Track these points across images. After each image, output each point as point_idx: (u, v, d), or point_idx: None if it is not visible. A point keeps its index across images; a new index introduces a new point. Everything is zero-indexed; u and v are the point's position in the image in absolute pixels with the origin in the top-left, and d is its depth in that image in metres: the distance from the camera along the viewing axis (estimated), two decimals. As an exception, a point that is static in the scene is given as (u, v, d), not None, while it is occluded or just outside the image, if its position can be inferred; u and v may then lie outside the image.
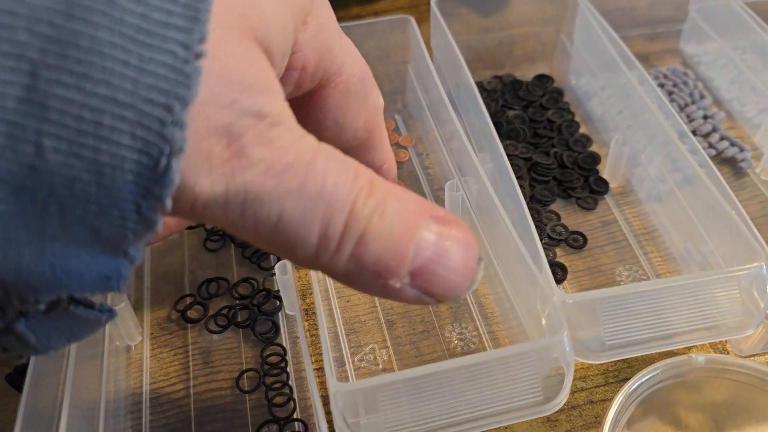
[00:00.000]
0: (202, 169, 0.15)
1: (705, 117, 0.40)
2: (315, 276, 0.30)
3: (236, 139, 0.15)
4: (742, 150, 0.38)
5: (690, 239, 0.32)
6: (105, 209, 0.15)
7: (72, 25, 0.13)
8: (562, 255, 0.34)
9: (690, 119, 0.40)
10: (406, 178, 0.38)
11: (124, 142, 0.14)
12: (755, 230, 0.28)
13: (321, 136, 0.21)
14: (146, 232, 0.15)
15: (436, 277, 0.18)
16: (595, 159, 0.37)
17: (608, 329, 0.27)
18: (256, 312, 0.32)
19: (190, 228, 0.36)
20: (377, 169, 0.25)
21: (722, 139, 0.38)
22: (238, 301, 0.33)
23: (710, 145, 0.38)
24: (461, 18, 0.40)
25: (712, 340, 0.29)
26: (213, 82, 0.15)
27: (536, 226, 0.33)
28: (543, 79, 0.41)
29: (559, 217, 0.35)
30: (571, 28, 0.40)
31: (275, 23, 0.17)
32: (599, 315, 0.27)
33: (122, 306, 0.30)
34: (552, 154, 0.37)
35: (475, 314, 0.32)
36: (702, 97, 0.41)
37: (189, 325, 0.32)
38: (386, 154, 0.26)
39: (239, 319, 0.32)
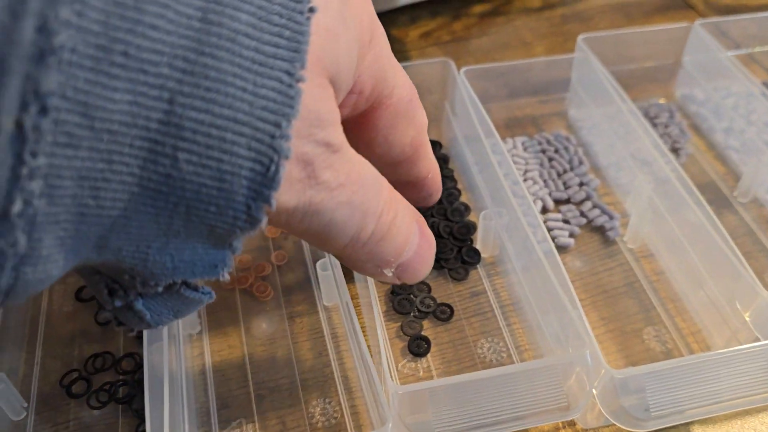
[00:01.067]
0: (284, 186, 0.19)
1: (581, 184, 0.42)
2: (182, 352, 0.31)
3: (310, 164, 0.19)
4: (611, 218, 0.40)
5: (548, 312, 0.34)
6: (222, 209, 0.18)
7: (203, 59, 0.17)
8: (428, 327, 0.35)
9: (566, 186, 0.42)
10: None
11: (242, 153, 0.18)
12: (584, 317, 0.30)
13: (372, 151, 0.26)
14: (251, 230, 0.19)
15: (413, 268, 0.24)
16: (470, 229, 0.38)
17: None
18: (135, 388, 0.34)
19: (81, 300, 0.38)
20: (423, 179, 0.30)
21: (594, 207, 0.41)
22: (121, 376, 0.35)
23: (582, 213, 0.40)
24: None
25: (553, 422, 0.32)
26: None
27: (406, 299, 0.35)
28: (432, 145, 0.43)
29: (429, 289, 0.36)
30: (453, 97, 0.42)
31: (345, 63, 0.21)
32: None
33: (2, 387, 0.32)
34: (430, 224, 0.39)
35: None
36: (581, 163, 0.43)
37: (73, 400, 0.34)
38: (430, 165, 0.30)
39: (120, 395, 0.34)
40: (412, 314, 0.35)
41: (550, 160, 0.43)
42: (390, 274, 0.24)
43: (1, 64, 0.14)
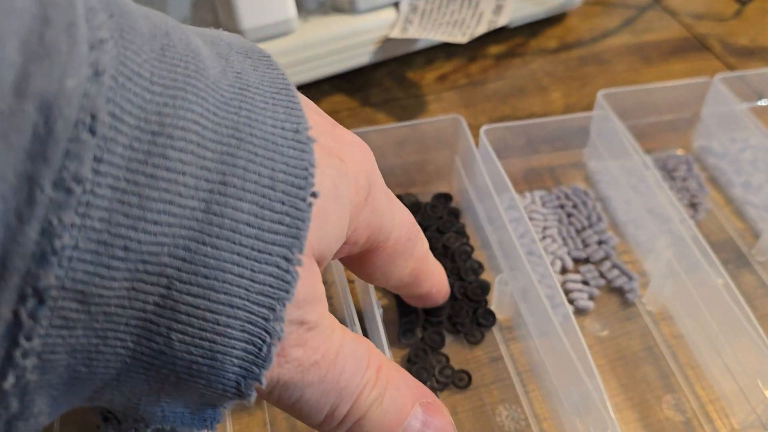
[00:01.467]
0: None
1: (600, 242, 0.41)
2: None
3: (281, 342, 0.19)
4: (630, 279, 0.40)
5: (565, 381, 0.34)
6: (212, 383, 0.19)
7: (203, 249, 0.17)
8: (447, 395, 0.35)
9: (585, 245, 0.41)
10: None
11: (236, 335, 0.18)
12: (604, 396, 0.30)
13: (373, 281, 0.27)
14: (241, 399, 0.19)
15: None
16: (485, 289, 0.38)
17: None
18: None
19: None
20: (426, 295, 0.30)
21: (613, 267, 0.40)
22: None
23: (601, 274, 0.40)
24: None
25: None
26: None
27: (423, 369, 0.35)
28: (441, 199, 0.42)
29: (447, 359, 0.36)
30: (465, 151, 0.42)
31: (334, 238, 0.21)
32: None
33: None
34: (445, 287, 0.38)
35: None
36: (599, 219, 0.43)
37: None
38: (433, 281, 0.30)
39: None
40: (428, 383, 0.35)
41: (569, 215, 0.42)
42: None
43: (3, 262, 0.14)
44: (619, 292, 0.40)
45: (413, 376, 0.35)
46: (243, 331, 0.18)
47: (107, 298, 0.16)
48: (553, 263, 0.40)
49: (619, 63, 0.57)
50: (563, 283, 0.40)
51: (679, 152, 0.47)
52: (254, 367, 0.19)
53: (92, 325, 0.16)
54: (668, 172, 0.45)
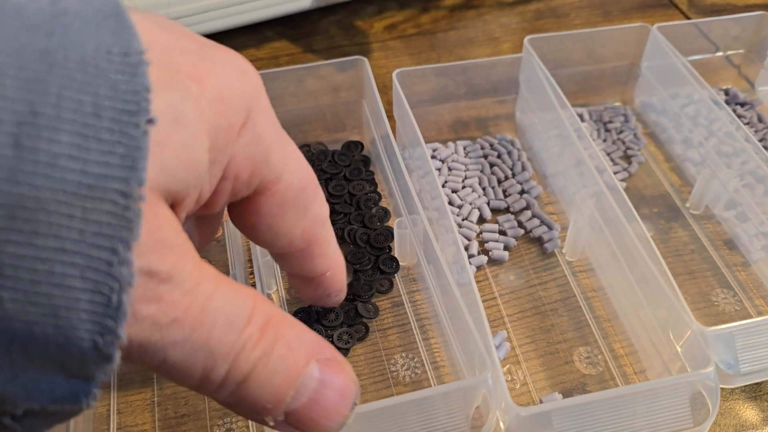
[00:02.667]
0: None
1: (522, 192, 0.39)
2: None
3: (163, 280, 0.17)
4: (550, 229, 0.38)
5: (463, 333, 0.32)
6: (64, 347, 0.16)
7: (17, 189, 0.15)
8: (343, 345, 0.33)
9: (507, 194, 0.39)
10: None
11: (76, 285, 0.16)
12: (487, 338, 0.28)
13: (254, 238, 0.24)
14: (106, 366, 0.17)
15: (309, 419, 0.20)
16: (389, 237, 0.36)
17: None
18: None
19: None
20: (319, 276, 0.26)
21: (534, 216, 0.38)
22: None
23: (520, 224, 0.38)
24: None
25: None
26: None
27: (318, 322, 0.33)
28: (352, 147, 0.40)
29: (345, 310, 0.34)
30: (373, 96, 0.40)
31: (184, 174, 0.18)
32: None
33: None
34: (347, 232, 0.36)
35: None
36: (524, 169, 0.40)
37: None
38: (330, 262, 0.26)
39: None
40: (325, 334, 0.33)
41: (492, 165, 0.40)
42: (272, 423, 0.20)
43: None
44: (539, 241, 0.38)
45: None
46: (84, 279, 0.16)
47: None
48: (470, 213, 0.38)
49: (576, 17, 0.55)
50: (479, 233, 0.38)
51: (617, 104, 0.45)
52: (108, 321, 0.16)
53: None
54: (603, 124, 0.43)
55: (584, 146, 0.36)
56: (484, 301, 0.35)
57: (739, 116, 0.43)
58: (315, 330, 0.33)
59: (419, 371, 0.32)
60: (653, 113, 0.44)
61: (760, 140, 0.42)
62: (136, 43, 0.17)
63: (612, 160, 0.41)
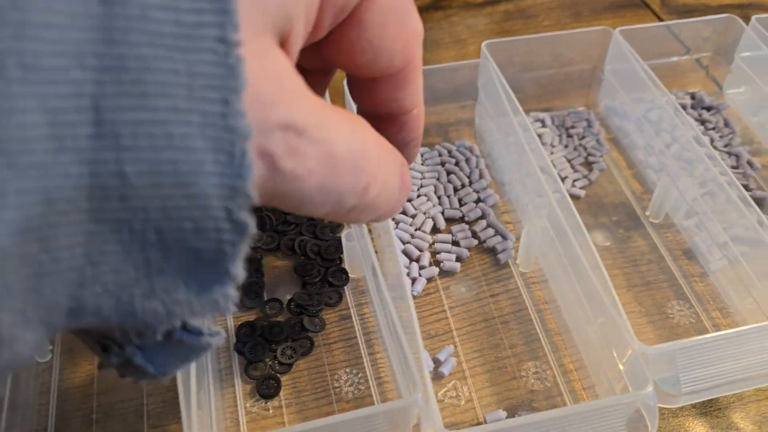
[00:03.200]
0: None
1: (478, 201, 0.39)
2: None
3: (268, 155, 0.17)
4: (504, 239, 0.37)
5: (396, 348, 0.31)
6: (199, 223, 0.15)
7: (115, 50, 0.14)
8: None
9: (462, 203, 0.39)
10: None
11: (198, 145, 0.15)
12: (420, 356, 0.28)
13: (354, 61, 0.22)
14: (241, 240, 0.16)
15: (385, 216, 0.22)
16: (339, 248, 0.36)
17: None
18: None
19: None
20: (407, 113, 0.25)
21: (488, 226, 0.38)
22: None
23: (474, 234, 0.37)
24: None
25: None
26: None
27: (269, 334, 0.32)
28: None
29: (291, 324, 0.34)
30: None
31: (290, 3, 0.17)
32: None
33: None
34: (297, 243, 0.36)
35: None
36: (481, 177, 0.40)
37: None
38: (418, 98, 0.25)
39: None
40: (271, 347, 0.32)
41: (449, 173, 0.40)
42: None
43: None
44: (493, 252, 0.37)
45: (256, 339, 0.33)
46: (204, 137, 0.15)
47: (27, 142, 0.13)
48: (423, 223, 0.38)
49: (546, 18, 0.54)
50: (432, 243, 0.37)
51: (581, 109, 0.44)
52: (236, 180, 0.15)
53: (23, 187, 0.13)
54: (566, 129, 0.42)
55: (537, 155, 0.36)
56: (433, 314, 0.35)
57: (705, 121, 0.42)
58: (258, 343, 0.33)
59: (363, 387, 0.32)
60: (617, 118, 0.43)
61: (726, 145, 0.41)
62: None
63: (572, 166, 0.41)
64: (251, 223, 0.16)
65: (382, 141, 0.21)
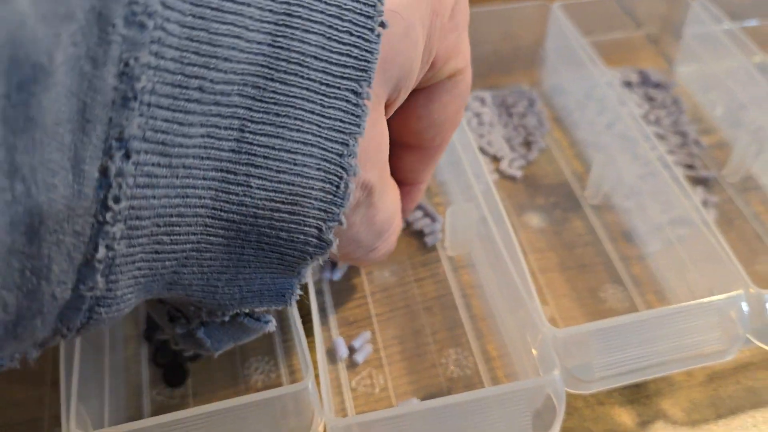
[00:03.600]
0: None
1: (408, 182, 0.37)
2: None
3: (368, 190, 0.20)
4: (433, 221, 0.36)
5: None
6: (293, 234, 0.18)
7: (272, 85, 0.16)
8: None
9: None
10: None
11: (313, 174, 0.17)
12: (302, 342, 0.26)
13: (409, 125, 0.24)
14: (321, 254, 0.19)
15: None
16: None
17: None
18: None
19: None
20: (417, 185, 0.28)
21: (417, 207, 0.36)
22: None
23: (401, 216, 0.36)
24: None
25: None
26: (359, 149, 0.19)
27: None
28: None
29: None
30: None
31: (399, 68, 0.19)
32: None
33: None
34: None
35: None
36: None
37: None
38: (430, 174, 0.28)
39: None
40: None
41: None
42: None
43: (84, 113, 0.13)
44: (420, 234, 0.36)
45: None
46: (319, 169, 0.17)
47: (186, 148, 0.15)
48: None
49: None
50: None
51: (525, 87, 0.43)
52: (333, 208, 0.18)
53: (173, 182, 0.16)
54: (506, 108, 0.41)
55: (473, 134, 0.34)
56: (353, 300, 0.33)
57: (652, 98, 0.40)
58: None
59: (273, 375, 0.31)
60: (560, 96, 0.41)
61: (673, 123, 0.39)
62: None
63: (511, 146, 0.39)
64: (334, 242, 0.19)
65: (399, 211, 0.24)
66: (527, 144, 0.39)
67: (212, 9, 0.15)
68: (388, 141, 0.20)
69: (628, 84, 0.41)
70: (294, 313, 0.27)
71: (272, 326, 0.22)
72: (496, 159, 0.39)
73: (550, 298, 0.33)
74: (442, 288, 0.34)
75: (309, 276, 0.22)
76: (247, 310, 0.20)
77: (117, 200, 0.15)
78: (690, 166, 0.38)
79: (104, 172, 0.14)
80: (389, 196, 0.21)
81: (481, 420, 0.25)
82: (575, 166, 0.39)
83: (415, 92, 0.23)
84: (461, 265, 0.35)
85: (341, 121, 0.17)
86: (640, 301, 0.33)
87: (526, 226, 0.36)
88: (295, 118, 0.17)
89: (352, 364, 0.31)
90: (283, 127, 0.17)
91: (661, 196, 0.34)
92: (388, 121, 0.23)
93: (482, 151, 0.39)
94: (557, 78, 0.41)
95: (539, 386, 0.25)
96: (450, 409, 0.25)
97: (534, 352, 0.28)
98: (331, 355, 0.31)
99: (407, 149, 0.25)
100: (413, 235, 0.36)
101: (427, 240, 0.35)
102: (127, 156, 0.14)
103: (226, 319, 0.20)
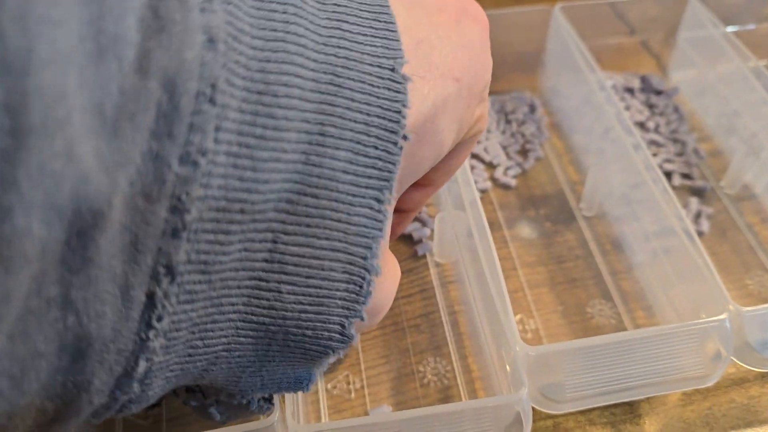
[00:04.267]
0: None
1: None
2: None
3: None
4: (423, 226, 0.35)
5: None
6: (318, 331, 0.19)
7: (305, 200, 0.17)
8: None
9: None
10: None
11: (338, 277, 0.18)
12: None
13: (427, 176, 0.24)
14: (343, 348, 0.20)
15: None
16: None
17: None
18: None
19: None
20: (409, 212, 0.28)
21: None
22: None
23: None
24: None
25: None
26: None
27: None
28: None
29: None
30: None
31: (417, 171, 0.21)
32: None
33: None
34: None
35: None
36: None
37: None
38: (422, 205, 0.29)
39: None
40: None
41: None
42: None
43: (137, 244, 0.14)
44: (410, 239, 0.35)
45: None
46: (345, 272, 0.18)
47: (224, 264, 0.16)
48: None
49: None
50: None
51: (527, 93, 0.42)
52: (356, 305, 0.19)
53: (210, 294, 0.16)
54: (505, 114, 0.40)
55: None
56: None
57: (652, 105, 0.40)
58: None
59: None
60: (559, 102, 0.41)
61: (672, 132, 0.39)
62: (400, 54, 0.19)
63: (507, 154, 0.39)
64: (356, 337, 0.19)
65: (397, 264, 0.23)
66: (524, 152, 0.39)
67: (256, 137, 0.16)
68: (389, 227, 0.21)
69: (629, 90, 0.40)
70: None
71: (272, 410, 0.23)
72: (491, 166, 0.38)
73: (537, 313, 0.33)
74: (429, 306, 0.34)
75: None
76: (265, 396, 0.21)
77: (160, 319, 0.15)
78: (686, 176, 0.37)
79: (151, 296, 0.15)
80: (388, 278, 0.21)
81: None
82: (570, 174, 0.39)
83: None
84: (450, 280, 0.34)
85: (365, 227, 0.18)
86: (627, 318, 0.33)
87: (517, 237, 0.36)
88: (324, 228, 0.18)
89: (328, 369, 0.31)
90: (313, 236, 0.17)
91: (650, 206, 0.33)
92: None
93: (478, 158, 0.38)
94: (556, 82, 0.41)
95: (507, 404, 0.25)
96: (420, 421, 0.25)
97: (507, 368, 0.28)
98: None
99: (417, 188, 0.26)
100: (402, 240, 0.36)
101: (418, 249, 0.35)
102: (172, 280, 0.15)
103: (244, 402, 0.21)
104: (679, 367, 0.28)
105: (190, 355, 0.17)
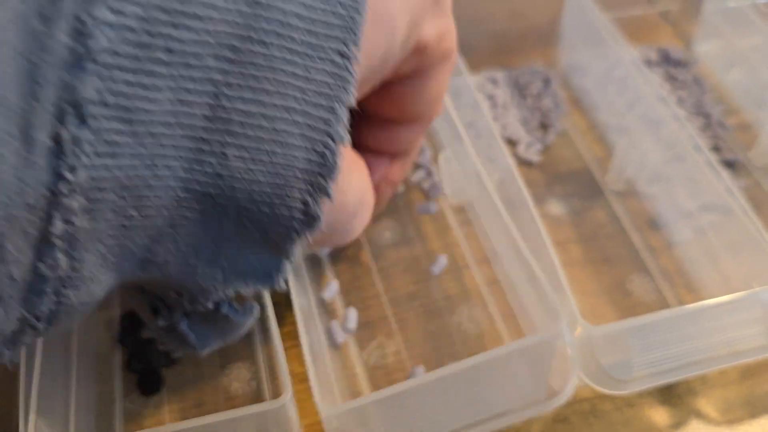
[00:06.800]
0: None
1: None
2: None
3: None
4: (429, 175, 0.34)
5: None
6: (277, 208, 0.17)
7: (250, 46, 0.15)
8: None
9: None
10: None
11: (296, 143, 0.16)
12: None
13: (389, 105, 0.23)
14: (308, 230, 0.17)
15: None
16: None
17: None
18: None
19: None
20: (404, 156, 0.26)
21: (419, 167, 0.34)
22: None
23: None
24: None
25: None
26: None
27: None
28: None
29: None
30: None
31: (382, 36, 0.18)
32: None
33: None
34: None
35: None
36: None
37: None
38: (420, 144, 0.27)
39: None
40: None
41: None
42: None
43: (34, 74, 0.12)
44: (422, 192, 0.33)
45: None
46: (303, 137, 0.16)
47: (152, 114, 0.14)
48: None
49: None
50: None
51: (540, 67, 0.40)
52: (320, 179, 0.17)
53: (139, 150, 0.14)
54: (519, 89, 0.38)
55: (485, 117, 0.32)
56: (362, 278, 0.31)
57: (673, 78, 0.38)
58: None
59: (254, 383, 0.28)
60: (578, 76, 0.39)
61: (695, 104, 0.37)
62: None
63: (526, 130, 0.37)
64: (321, 218, 0.17)
65: (370, 185, 0.22)
66: (543, 127, 0.37)
67: None
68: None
69: (647, 63, 0.39)
70: (271, 315, 0.25)
71: (255, 316, 0.21)
72: (511, 142, 0.36)
73: (573, 293, 0.31)
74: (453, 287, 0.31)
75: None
76: (231, 294, 0.19)
77: (73, 170, 0.13)
78: (715, 149, 0.35)
79: (57, 139, 0.13)
80: (355, 174, 0.20)
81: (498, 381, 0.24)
82: (595, 150, 0.37)
83: (415, 76, 0.22)
84: (482, 261, 0.32)
85: (327, 85, 0.16)
86: (670, 294, 0.31)
87: (545, 215, 0.34)
88: (276, 83, 0.15)
89: (360, 339, 0.29)
90: (262, 92, 0.15)
91: (690, 181, 0.31)
92: (387, 103, 0.23)
93: (461, 139, 0.37)
94: (575, 57, 0.39)
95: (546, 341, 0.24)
96: (458, 376, 0.23)
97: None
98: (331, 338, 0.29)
99: (404, 125, 0.24)
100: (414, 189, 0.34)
101: (431, 193, 0.33)
102: (83, 122, 0.13)
103: (210, 306, 0.19)
104: (739, 339, 0.26)
105: (124, 227, 0.15)
